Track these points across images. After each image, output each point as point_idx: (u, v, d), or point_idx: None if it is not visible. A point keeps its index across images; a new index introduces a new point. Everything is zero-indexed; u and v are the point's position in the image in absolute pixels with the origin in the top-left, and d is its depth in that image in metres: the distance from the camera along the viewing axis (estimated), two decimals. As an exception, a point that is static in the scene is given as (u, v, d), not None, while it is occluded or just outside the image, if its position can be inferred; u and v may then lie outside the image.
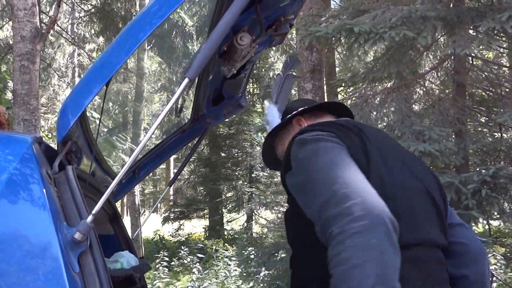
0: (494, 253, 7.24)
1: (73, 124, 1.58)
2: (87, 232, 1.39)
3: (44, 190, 1.44)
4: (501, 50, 5.81)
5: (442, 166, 4.86)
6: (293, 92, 9.04)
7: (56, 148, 1.78)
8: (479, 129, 5.75)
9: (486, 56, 6.18)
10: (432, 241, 1.45)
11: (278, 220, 10.94)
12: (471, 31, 5.12)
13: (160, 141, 2.97)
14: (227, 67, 2.37)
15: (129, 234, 2.79)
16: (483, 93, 5.93)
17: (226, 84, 2.65)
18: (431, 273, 1.41)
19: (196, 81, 2.52)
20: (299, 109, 1.80)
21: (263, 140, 1.90)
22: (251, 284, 6.64)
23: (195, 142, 3.17)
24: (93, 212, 1.41)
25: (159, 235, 14.12)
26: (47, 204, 1.41)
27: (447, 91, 6.33)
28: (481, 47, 5.20)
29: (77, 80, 19.85)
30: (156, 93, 17.78)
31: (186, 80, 1.43)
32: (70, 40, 17.00)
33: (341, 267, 1.14)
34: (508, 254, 7.77)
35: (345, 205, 1.20)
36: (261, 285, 6.25)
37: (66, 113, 1.61)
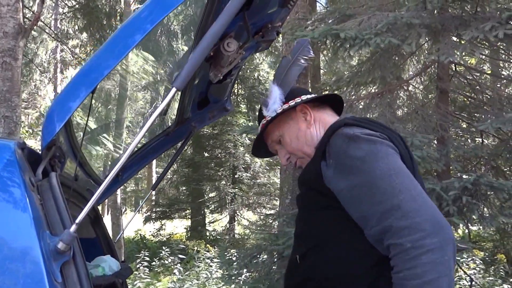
0: (473, 257, 7.38)
1: (59, 130, 1.55)
2: (70, 242, 1.38)
3: (26, 198, 1.43)
4: (483, 57, 5.89)
5: (423, 172, 4.92)
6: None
7: (39, 153, 1.76)
8: (461, 135, 5.84)
9: (468, 61, 6.28)
10: None
11: (260, 222, 11.00)
12: (454, 39, 5.20)
13: (144, 143, 2.93)
14: (213, 73, 2.37)
15: (111, 234, 2.76)
16: (466, 100, 6.02)
17: (212, 88, 2.64)
18: None
19: (182, 91, 2.53)
20: (305, 97, 1.76)
21: (260, 120, 1.82)
22: (233, 286, 6.64)
23: (179, 145, 3.16)
24: (77, 221, 1.40)
25: (140, 234, 14.05)
26: (30, 212, 1.40)
27: (430, 96, 6.42)
28: (464, 54, 5.26)
29: (59, 76, 19.64)
30: (140, 91, 17.65)
31: (174, 89, 1.43)
32: (53, 35, 16.83)
33: (416, 280, 1.25)
34: (487, 259, 7.94)
35: (416, 220, 1.29)
36: (242, 286, 6.26)
37: (52, 118, 1.57)
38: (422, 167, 4.78)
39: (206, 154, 13.24)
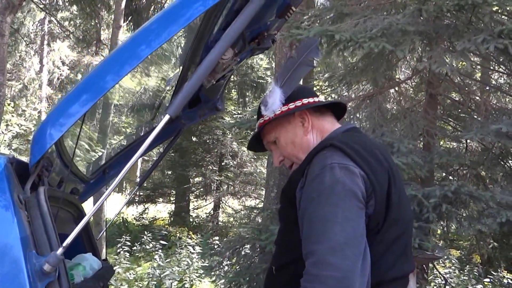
0: (450, 256, 7.65)
1: (49, 147, 1.57)
2: (56, 264, 1.45)
3: (15, 216, 1.49)
4: (474, 65, 6.11)
5: (407, 178, 5.15)
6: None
7: (27, 163, 1.77)
8: (447, 141, 6.07)
9: (459, 64, 6.50)
10: (412, 268, 1.70)
11: (244, 212, 11.22)
12: (446, 47, 5.41)
13: (132, 141, 2.98)
14: (207, 79, 2.52)
15: (92, 217, 2.80)
16: (454, 105, 6.25)
17: (204, 89, 2.74)
18: None
19: (173, 88, 2.61)
20: (306, 101, 1.77)
21: (258, 117, 1.83)
22: (213, 278, 6.86)
23: (168, 142, 3.24)
24: (64, 244, 1.47)
25: (123, 217, 14.23)
26: (17, 231, 1.46)
27: (419, 94, 6.61)
28: (455, 64, 5.48)
29: (45, 48, 19.53)
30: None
31: (167, 116, 1.51)
32: (41, 6, 16.70)
33: None
34: (463, 258, 8.25)
35: (324, 273, 1.37)
36: (223, 280, 6.48)
37: (43, 135, 1.57)
38: (407, 173, 5.02)
39: (194, 139, 13.38)
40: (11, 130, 14.59)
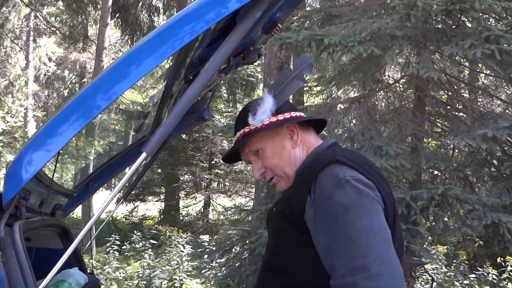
0: (436, 252, 7.78)
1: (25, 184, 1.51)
2: None
3: None
4: (462, 68, 6.23)
5: (395, 181, 5.27)
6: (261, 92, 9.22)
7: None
8: (435, 144, 6.20)
9: (448, 69, 6.61)
10: None
11: (234, 209, 11.31)
12: (434, 50, 5.52)
13: (117, 153, 2.96)
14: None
15: (81, 215, 2.78)
16: (442, 110, 6.37)
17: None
18: None
19: (159, 102, 2.56)
20: (294, 114, 1.75)
21: (239, 126, 1.78)
22: (203, 280, 6.93)
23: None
24: (41, 286, 1.47)
25: (112, 216, 14.23)
26: None
27: (408, 94, 6.71)
28: (443, 69, 5.59)
29: (31, 44, 19.42)
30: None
31: (144, 154, 1.47)
32: (26, 1, 16.60)
33: None
34: (450, 253, 8.40)
35: (381, 284, 1.36)
36: (212, 281, 6.56)
37: (18, 171, 1.50)
38: (395, 175, 5.14)
39: (184, 137, 13.43)
40: (-4, 127, 14.51)
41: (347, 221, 1.43)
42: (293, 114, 1.73)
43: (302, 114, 1.79)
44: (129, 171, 1.48)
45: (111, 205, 14.58)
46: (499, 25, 5.77)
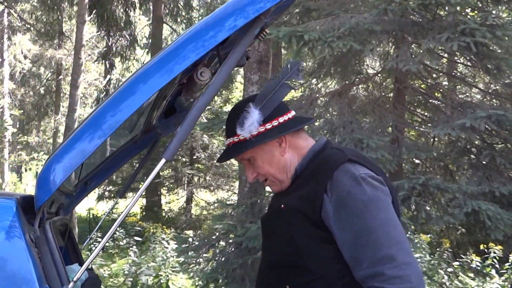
0: (420, 241, 7.94)
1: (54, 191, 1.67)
2: None
3: (29, 256, 1.67)
4: (440, 59, 6.37)
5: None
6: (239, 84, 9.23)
7: (31, 196, 1.89)
8: (415, 135, 6.33)
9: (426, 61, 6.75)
10: None
11: (218, 204, 11.35)
12: (413, 46, 5.64)
13: (112, 152, 3.04)
14: (185, 97, 2.60)
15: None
16: (421, 100, 6.51)
17: (179, 100, 2.74)
18: None
19: (152, 103, 2.67)
20: (282, 119, 1.77)
21: (230, 133, 1.82)
22: (191, 275, 6.99)
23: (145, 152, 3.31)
24: (74, 279, 1.65)
25: (93, 213, 14.18)
26: (33, 270, 1.65)
27: (388, 85, 6.84)
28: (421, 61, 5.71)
29: (6, 42, 19.08)
30: (94, 62, 17.47)
31: (163, 160, 1.61)
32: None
33: None
34: (434, 242, 8.57)
35: (407, 272, 1.51)
36: (200, 276, 6.62)
37: (49, 177, 1.67)
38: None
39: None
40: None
41: (369, 215, 1.55)
42: (281, 119, 1.76)
43: (290, 114, 1.81)
44: (150, 176, 1.61)
45: (92, 202, 14.54)
46: (474, 14, 5.90)
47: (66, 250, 2.70)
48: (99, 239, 9.62)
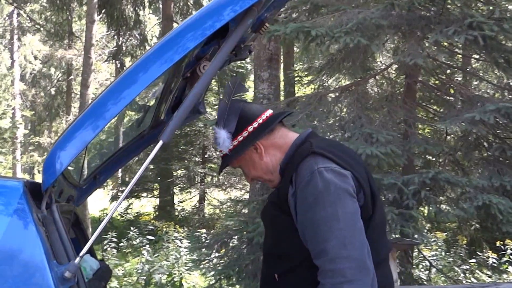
0: (435, 239, 8.02)
1: (59, 174, 1.82)
2: (75, 271, 1.77)
3: (37, 234, 1.78)
4: (450, 54, 6.44)
5: (387, 167, 5.48)
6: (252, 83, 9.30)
7: (37, 182, 2.03)
8: (425, 128, 6.41)
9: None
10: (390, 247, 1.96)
11: (230, 203, 11.50)
12: (420, 38, 5.72)
13: (120, 146, 3.15)
14: (189, 90, 2.74)
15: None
16: (432, 95, 6.58)
17: (186, 94, 2.94)
18: (390, 274, 1.91)
19: (158, 97, 2.80)
20: (250, 130, 1.91)
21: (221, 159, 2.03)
22: (203, 271, 7.13)
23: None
24: (80, 254, 1.78)
25: (107, 214, 14.39)
26: (41, 247, 1.76)
27: (399, 80, 6.91)
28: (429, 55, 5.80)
29: (16, 43, 19.43)
30: (104, 62, 17.71)
31: (161, 142, 1.75)
32: (10, 0, 16.57)
33: None
34: (450, 239, 8.64)
35: (339, 266, 1.59)
36: (212, 272, 6.76)
37: (54, 163, 1.82)
38: (386, 162, 5.35)
39: (176, 132, 13.56)
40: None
41: (317, 209, 1.66)
42: (250, 128, 1.91)
43: (260, 119, 1.94)
44: (148, 158, 1.79)
45: (105, 203, 14.79)
46: (484, 8, 5.96)
47: (78, 242, 2.84)
48: (114, 239, 9.84)
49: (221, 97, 2.23)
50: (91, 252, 2.83)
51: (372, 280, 1.65)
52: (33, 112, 19.61)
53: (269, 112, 1.98)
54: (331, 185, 1.67)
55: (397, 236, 5.35)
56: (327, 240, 1.62)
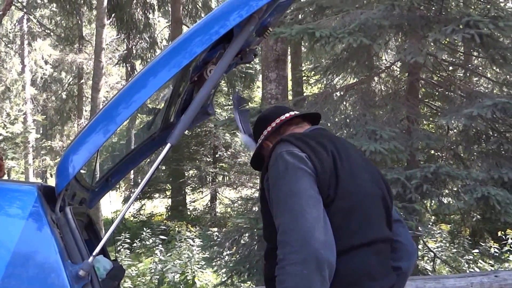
0: (440, 231, 8.30)
1: (72, 178, 1.94)
2: (89, 270, 1.89)
3: (52, 235, 1.90)
4: (449, 52, 6.74)
5: (390, 163, 5.79)
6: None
7: (51, 186, 2.14)
8: (427, 124, 6.71)
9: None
10: (386, 238, 1.99)
11: (240, 201, 11.83)
12: (421, 37, 6.04)
13: (132, 149, 3.31)
14: (197, 93, 2.98)
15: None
16: (434, 92, 6.89)
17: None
18: (386, 262, 1.98)
19: (168, 100, 2.95)
20: (265, 134, 2.22)
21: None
22: (215, 268, 7.44)
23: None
24: (94, 254, 1.90)
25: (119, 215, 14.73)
26: (56, 248, 1.88)
27: (403, 76, 7.22)
28: (429, 52, 6.11)
29: (26, 48, 19.92)
30: (115, 65, 18.13)
31: (169, 145, 1.89)
32: (18, 5, 17.00)
33: (279, 286, 1.71)
34: (455, 231, 8.92)
35: (288, 237, 1.72)
36: (224, 269, 7.07)
37: (66, 166, 1.95)
38: (389, 157, 5.66)
39: (186, 133, 13.96)
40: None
41: (276, 188, 1.85)
42: (265, 132, 2.23)
43: (278, 120, 2.23)
44: (157, 160, 1.95)
45: (118, 205, 15.18)
46: (483, 7, 6.26)
47: (91, 244, 2.88)
48: (127, 240, 10.19)
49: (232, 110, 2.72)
50: (104, 253, 2.91)
51: (332, 264, 1.73)
52: (45, 116, 20.03)
53: (282, 117, 2.23)
54: (289, 164, 1.84)
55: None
56: (282, 215, 1.78)
